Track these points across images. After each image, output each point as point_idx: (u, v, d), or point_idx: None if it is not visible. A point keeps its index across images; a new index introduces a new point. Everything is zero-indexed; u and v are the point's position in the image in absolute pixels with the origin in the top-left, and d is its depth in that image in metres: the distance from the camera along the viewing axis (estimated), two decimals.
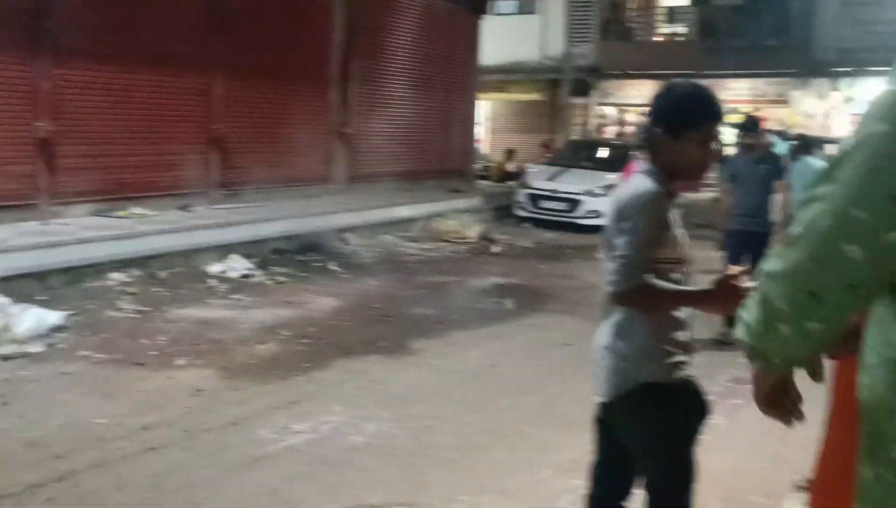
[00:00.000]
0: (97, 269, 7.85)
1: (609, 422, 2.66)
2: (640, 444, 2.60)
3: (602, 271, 2.59)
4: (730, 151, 9.31)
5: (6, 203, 8.55)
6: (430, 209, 12.82)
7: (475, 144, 18.26)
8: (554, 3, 23.53)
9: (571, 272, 9.75)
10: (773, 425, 4.85)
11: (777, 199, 6.80)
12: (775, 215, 6.74)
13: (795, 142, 11.45)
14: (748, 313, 1.29)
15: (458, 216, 12.85)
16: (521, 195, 13.96)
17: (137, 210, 9.67)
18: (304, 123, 12.38)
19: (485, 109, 25.22)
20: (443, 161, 15.64)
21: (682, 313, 2.56)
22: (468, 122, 16.69)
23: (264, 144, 11.66)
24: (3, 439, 4.38)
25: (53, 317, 6.34)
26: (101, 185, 9.53)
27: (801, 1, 22.37)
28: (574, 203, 13.26)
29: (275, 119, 11.86)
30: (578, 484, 2.88)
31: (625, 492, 2.75)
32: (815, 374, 1.46)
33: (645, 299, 2.44)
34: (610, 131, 25.74)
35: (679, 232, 2.54)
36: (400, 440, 4.57)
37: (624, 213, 2.45)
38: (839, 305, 1.16)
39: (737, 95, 25.02)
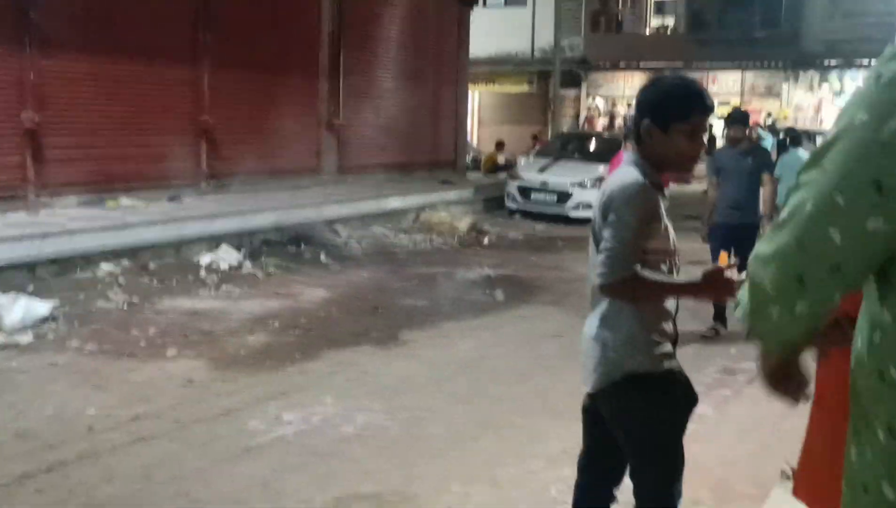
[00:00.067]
0: (86, 260, 7.82)
1: (597, 412, 2.67)
2: (627, 434, 2.61)
3: (590, 262, 2.60)
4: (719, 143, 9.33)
5: None
6: (420, 201, 12.82)
7: (465, 136, 18.25)
8: None
9: (562, 264, 9.77)
10: (761, 415, 4.88)
11: (764, 192, 6.78)
12: (762, 208, 6.73)
13: (783, 135, 11.52)
14: (743, 296, 1.30)
15: (448, 208, 12.86)
16: (512, 187, 13.96)
17: (126, 201, 9.64)
18: (294, 115, 12.35)
19: (474, 100, 25.22)
20: (433, 153, 15.64)
21: (669, 304, 2.58)
22: (458, 113, 16.69)
23: (253, 135, 11.63)
24: None
25: (42, 308, 6.32)
26: (90, 176, 9.49)
27: None
28: (564, 195, 13.28)
29: (264, 110, 11.82)
30: (568, 474, 2.90)
31: (613, 482, 2.77)
32: (823, 353, 1.47)
33: (634, 290, 2.45)
34: (599, 123, 25.79)
35: (667, 223, 2.55)
36: (390, 431, 4.58)
37: (612, 204, 2.45)
38: (824, 288, 1.18)
39: (727, 87, 25.10)
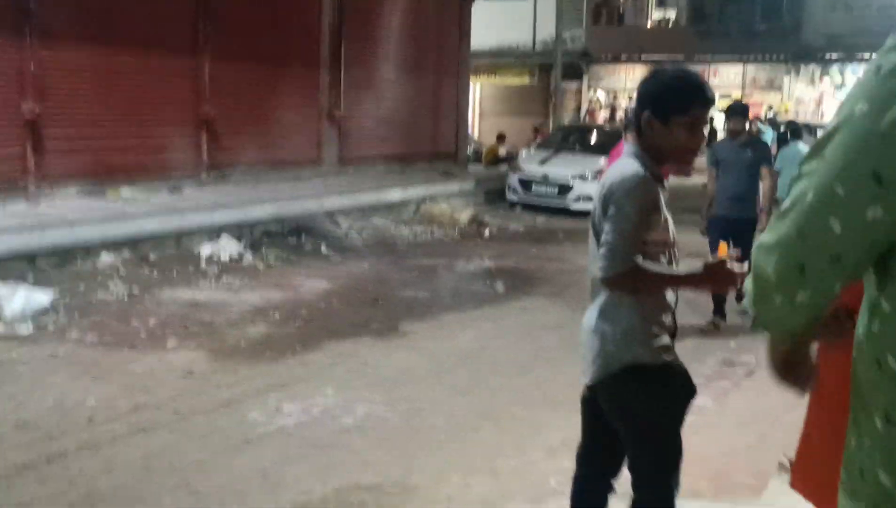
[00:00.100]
0: (87, 251, 7.82)
1: (596, 404, 2.67)
2: (625, 425, 2.62)
3: (589, 254, 2.60)
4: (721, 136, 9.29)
5: None
6: (421, 193, 12.81)
7: (467, 128, 18.22)
8: None
9: (562, 256, 9.76)
10: (760, 407, 4.88)
11: (763, 185, 6.75)
12: (761, 202, 6.70)
13: (784, 129, 11.51)
14: (749, 284, 1.32)
15: (449, 200, 12.84)
16: (513, 180, 13.95)
17: (127, 192, 9.63)
18: (295, 106, 12.31)
19: (476, 92, 25.18)
20: (434, 144, 15.60)
21: (669, 296, 2.58)
22: (460, 105, 16.64)
23: (254, 126, 11.60)
24: None
25: (43, 298, 6.32)
26: (90, 167, 9.48)
27: None
28: (565, 188, 13.27)
29: (265, 101, 11.79)
30: (568, 465, 2.90)
31: (612, 474, 2.77)
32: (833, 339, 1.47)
33: (635, 282, 2.45)
34: (601, 116, 25.76)
35: (666, 215, 2.55)
36: (391, 422, 4.58)
37: (612, 196, 2.45)
38: (824, 278, 1.19)
39: (728, 80, 25.06)
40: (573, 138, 15.27)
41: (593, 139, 15.04)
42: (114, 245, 8.05)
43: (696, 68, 2.55)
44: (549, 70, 22.54)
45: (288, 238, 9.65)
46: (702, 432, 4.12)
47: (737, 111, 6.87)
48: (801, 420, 2.75)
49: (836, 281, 1.20)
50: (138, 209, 8.94)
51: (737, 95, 22.81)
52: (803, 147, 9.49)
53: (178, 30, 10.49)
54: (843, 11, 22.40)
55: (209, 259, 8.38)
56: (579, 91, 27.09)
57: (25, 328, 5.90)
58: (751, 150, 6.67)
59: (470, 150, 18.31)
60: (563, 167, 13.53)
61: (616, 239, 2.40)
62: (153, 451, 4.10)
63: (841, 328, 1.43)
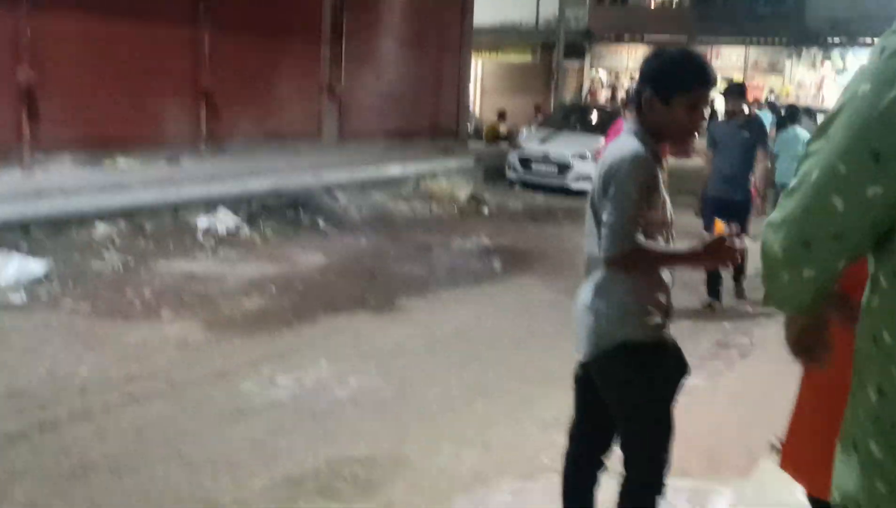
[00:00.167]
0: (82, 221, 7.78)
1: (589, 382, 2.67)
2: (618, 402, 2.62)
3: (586, 232, 2.58)
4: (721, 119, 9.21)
5: None
6: (420, 169, 12.74)
7: (468, 105, 18.12)
8: None
9: (561, 235, 9.74)
10: (753, 388, 4.89)
11: (757, 168, 6.69)
12: (755, 184, 6.65)
13: (784, 113, 11.44)
14: (761, 261, 1.36)
15: (448, 177, 12.78)
16: (513, 158, 13.89)
17: (124, 162, 9.58)
18: (295, 79, 12.22)
19: (478, 70, 25.03)
20: (435, 121, 15.51)
21: (666, 276, 2.57)
22: (461, 81, 16.53)
23: (253, 99, 11.52)
24: None
25: (36, 267, 6.30)
26: (86, 136, 9.40)
27: None
28: (565, 167, 13.22)
29: (264, 74, 11.70)
30: (560, 441, 2.90)
31: (603, 450, 2.77)
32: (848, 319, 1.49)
33: (638, 261, 2.44)
34: (602, 95, 25.65)
35: (664, 195, 2.53)
36: (384, 394, 4.58)
37: (613, 176, 2.43)
38: (828, 254, 1.23)
39: (730, 62, 24.95)
40: (574, 118, 15.20)
41: (594, 119, 14.96)
42: (109, 215, 8.01)
43: (698, 50, 2.52)
44: (552, 49, 22.40)
45: (285, 212, 9.60)
46: (693, 411, 4.12)
47: (734, 92, 6.82)
48: (792, 402, 2.75)
49: (840, 258, 1.23)
50: (135, 180, 8.89)
51: (738, 77, 22.70)
52: (801, 131, 9.43)
53: (179, 0, 10.39)
54: None
55: (206, 231, 8.35)
56: (581, 70, 26.96)
57: (19, 298, 5.88)
58: (747, 131, 6.62)
59: (471, 127, 18.24)
60: (564, 147, 13.47)
61: (618, 219, 2.39)
62: (146, 421, 4.10)
63: (848, 308, 1.45)
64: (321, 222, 9.40)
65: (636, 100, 2.57)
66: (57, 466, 3.60)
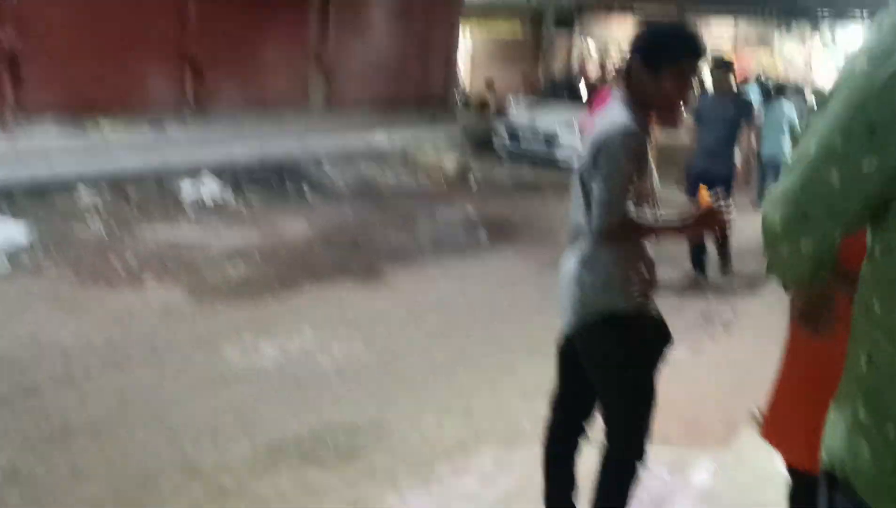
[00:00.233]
0: (65, 186, 7.71)
1: (572, 352, 2.68)
2: (600, 373, 2.62)
3: (572, 203, 2.57)
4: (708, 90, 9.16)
5: None
6: (408, 138, 12.68)
7: (456, 75, 17.99)
8: None
9: (547, 207, 9.74)
10: (735, 359, 4.91)
11: (741, 142, 6.67)
12: (738, 157, 6.63)
13: (771, 87, 11.44)
14: (761, 234, 1.40)
15: (436, 147, 12.73)
16: (501, 129, 13.85)
17: (108, 128, 9.47)
18: (282, 46, 12.09)
19: (467, 41, 24.84)
20: (423, 90, 15.40)
21: (651, 250, 2.57)
22: (450, 50, 16.40)
23: (240, 65, 11.39)
24: None
25: (18, 233, 6.25)
26: (70, 100, 9.28)
27: None
28: (553, 138, 13.18)
29: (251, 41, 11.56)
30: (541, 408, 2.92)
31: (584, 419, 2.79)
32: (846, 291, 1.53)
33: (629, 232, 2.44)
34: (592, 68, 25.53)
35: (651, 166, 2.53)
36: (367, 362, 4.59)
37: (603, 148, 2.41)
38: (826, 227, 1.26)
39: (719, 35, 24.84)
40: (562, 89, 15.14)
41: (583, 91, 14.91)
42: (92, 181, 7.94)
43: (688, 22, 2.51)
44: (541, 20, 22.24)
45: (271, 180, 9.56)
46: (675, 381, 4.14)
47: (719, 65, 6.79)
48: (773, 373, 2.77)
49: (837, 230, 1.25)
50: (119, 145, 8.81)
51: (727, 50, 22.63)
52: (787, 105, 9.44)
53: None
54: None
55: (190, 198, 8.29)
56: (570, 42, 26.78)
57: (1, 264, 5.84)
58: (732, 105, 6.59)
59: (459, 98, 18.13)
60: (552, 118, 13.43)
61: (609, 191, 2.38)
62: (128, 387, 4.09)
63: (847, 282, 1.46)
64: (307, 191, 9.35)
65: (626, 69, 2.55)
66: (38, 430, 3.59)
